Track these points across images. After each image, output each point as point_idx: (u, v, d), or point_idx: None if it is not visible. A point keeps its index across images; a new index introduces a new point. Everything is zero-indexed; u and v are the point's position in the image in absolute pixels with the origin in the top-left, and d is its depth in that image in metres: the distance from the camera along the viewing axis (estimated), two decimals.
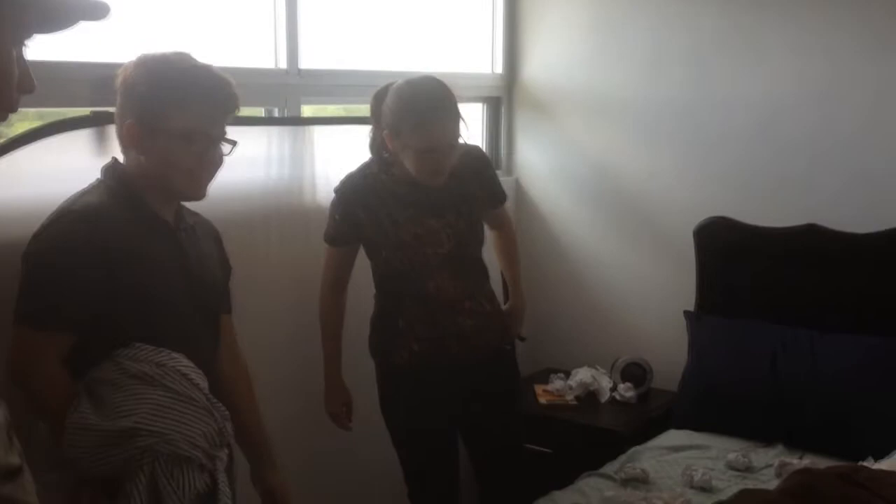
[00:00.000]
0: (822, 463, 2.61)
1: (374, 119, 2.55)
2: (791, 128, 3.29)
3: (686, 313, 3.37)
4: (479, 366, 2.63)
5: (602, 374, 3.44)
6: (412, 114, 2.40)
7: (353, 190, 2.57)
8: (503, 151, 3.89)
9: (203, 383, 1.85)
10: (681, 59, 3.47)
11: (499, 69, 3.83)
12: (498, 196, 2.78)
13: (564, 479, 2.75)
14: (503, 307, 2.85)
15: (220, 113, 1.94)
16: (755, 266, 3.30)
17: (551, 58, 3.75)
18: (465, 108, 2.52)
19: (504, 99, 3.86)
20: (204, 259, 2.04)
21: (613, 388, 3.39)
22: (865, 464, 2.63)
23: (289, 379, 2.75)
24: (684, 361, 3.33)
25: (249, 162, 2.56)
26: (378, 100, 2.52)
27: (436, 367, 2.59)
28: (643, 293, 3.62)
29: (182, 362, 1.83)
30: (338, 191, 2.60)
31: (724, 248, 3.35)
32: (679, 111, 3.48)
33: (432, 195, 2.54)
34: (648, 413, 3.33)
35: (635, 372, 3.44)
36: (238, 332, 2.24)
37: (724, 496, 2.49)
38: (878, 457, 2.68)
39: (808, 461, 2.67)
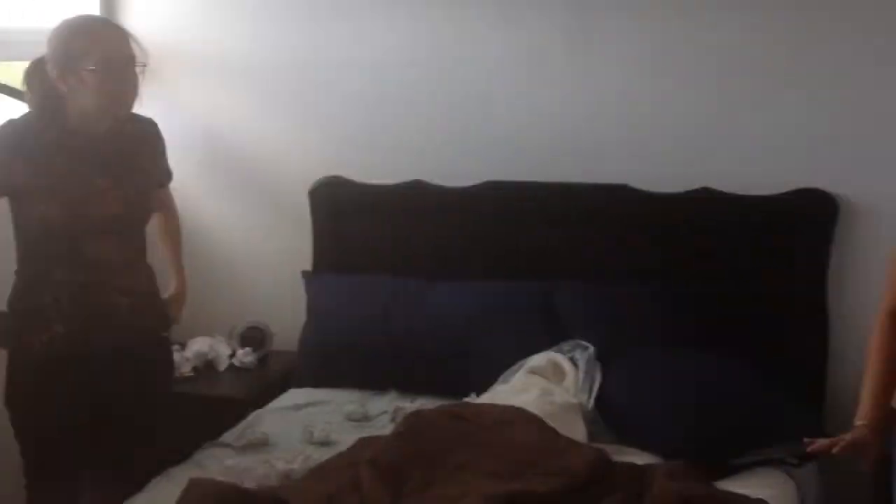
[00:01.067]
0: (433, 403, 2.74)
1: (30, 84, 2.37)
2: (400, 91, 3.38)
3: (304, 273, 3.38)
4: (133, 352, 2.45)
5: (220, 341, 3.36)
6: (86, 31, 2.32)
7: (15, 134, 2.33)
8: None
9: None
10: (299, 18, 3.43)
11: None
12: (165, 174, 2.65)
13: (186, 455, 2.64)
14: (164, 296, 2.68)
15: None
16: (368, 223, 3.39)
17: (155, 10, 3.54)
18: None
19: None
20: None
21: (232, 355, 3.32)
22: (468, 399, 2.81)
23: None
24: (303, 322, 3.35)
25: None
26: (36, 64, 2.35)
27: (80, 355, 2.37)
28: (262, 257, 3.57)
29: None
30: None
31: (338, 207, 3.40)
32: (297, 72, 3.45)
33: (102, 153, 2.37)
34: (269, 376, 3.30)
35: (255, 336, 3.40)
36: None
37: (343, 447, 2.53)
38: (481, 392, 2.87)
39: (420, 403, 2.78)
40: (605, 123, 3.20)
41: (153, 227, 2.66)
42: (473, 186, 3.28)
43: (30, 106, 2.38)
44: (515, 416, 2.45)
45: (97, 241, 2.38)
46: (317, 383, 3.12)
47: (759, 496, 2.18)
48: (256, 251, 3.58)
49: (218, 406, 3.06)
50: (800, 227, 3.00)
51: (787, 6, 3.00)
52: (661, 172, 3.13)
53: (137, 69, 2.36)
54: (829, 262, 3.00)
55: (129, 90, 2.36)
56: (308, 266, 3.42)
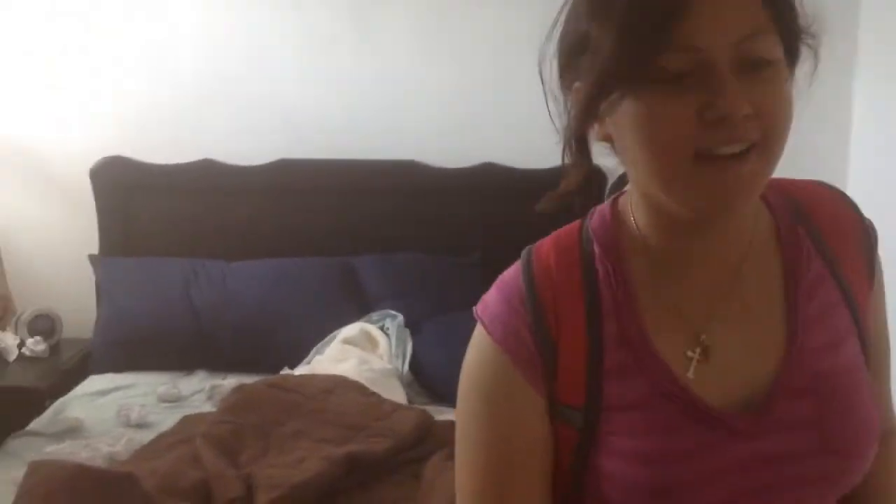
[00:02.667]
0: (246, 380, 2.77)
1: None
2: (183, 70, 3.33)
3: (90, 257, 3.28)
4: None
5: (6, 332, 3.19)
6: None
7: None
8: None
9: None
10: None
11: None
12: None
13: None
14: None
15: None
16: (155, 204, 3.34)
17: None
18: None
19: None
20: None
21: (21, 345, 3.17)
22: (283, 373, 2.88)
23: None
24: (95, 306, 3.25)
25: None
26: None
27: None
28: (44, 242, 3.40)
29: None
30: None
31: (122, 188, 3.32)
32: (68, 45, 3.30)
33: None
34: (63, 364, 3.18)
35: (44, 324, 3.25)
36: None
37: (163, 428, 2.52)
38: (292, 366, 2.94)
39: (233, 381, 2.80)
40: (391, 101, 3.34)
41: None
42: (265, 165, 3.32)
43: None
44: (338, 384, 2.55)
45: None
46: (117, 368, 3.04)
47: None
48: (39, 235, 3.41)
49: (12, 396, 2.92)
50: (574, 196, 3.29)
51: None
52: (448, 149, 3.33)
53: None
54: None
55: None
56: (94, 250, 3.32)
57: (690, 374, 0.93)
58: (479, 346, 0.98)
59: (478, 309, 0.99)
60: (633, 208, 0.98)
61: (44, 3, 3.28)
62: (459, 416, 0.99)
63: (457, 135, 3.35)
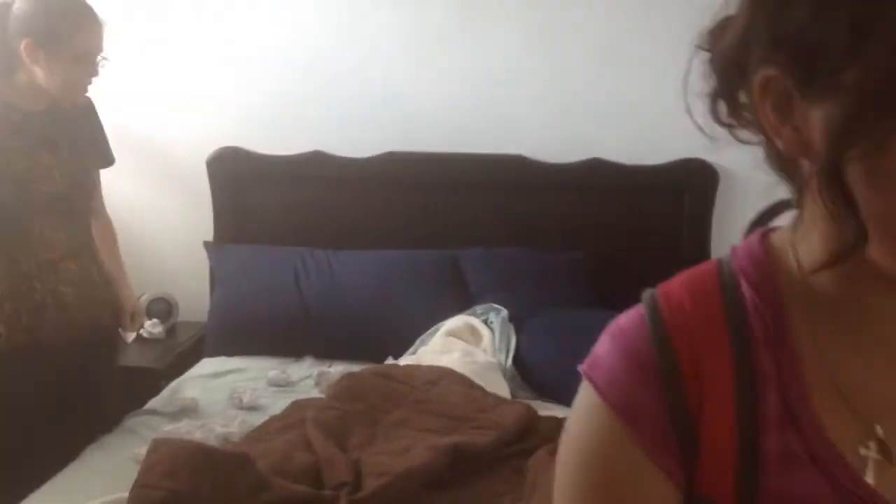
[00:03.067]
0: (351, 368, 2.83)
1: None
2: (296, 64, 3.42)
3: (206, 244, 3.39)
4: (79, 345, 2.39)
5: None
6: (73, 14, 2.23)
7: None
8: None
9: None
10: None
11: None
12: (104, 157, 2.56)
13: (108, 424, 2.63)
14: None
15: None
16: (268, 193, 3.43)
17: None
18: None
19: None
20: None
21: (140, 327, 3.30)
22: (388, 363, 2.93)
23: None
24: (209, 292, 3.37)
25: None
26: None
27: (26, 353, 2.30)
28: (162, 229, 3.54)
29: None
30: None
31: (237, 178, 3.42)
32: (192, 46, 3.43)
33: (46, 127, 2.31)
34: (178, 347, 3.31)
35: (161, 307, 3.39)
36: None
37: (272, 412, 2.60)
38: (396, 356, 2.99)
39: (341, 368, 2.86)
40: (501, 96, 3.36)
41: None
42: (374, 157, 3.38)
43: None
44: (443, 376, 2.59)
45: (42, 221, 2.32)
46: (229, 352, 3.15)
47: None
48: (157, 223, 3.54)
49: (131, 376, 3.04)
50: (684, 194, 3.25)
51: None
52: (555, 144, 3.33)
53: (99, 60, 2.33)
54: (710, 226, 3.27)
55: (89, 81, 2.33)
56: (209, 237, 3.43)
57: (870, 479, 0.71)
58: (589, 415, 0.75)
59: (586, 366, 0.77)
60: (798, 247, 0.75)
61: (163, 2, 3.41)
62: (563, 499, 0.76)
63: (565, 130, 3.34)
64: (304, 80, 3.44)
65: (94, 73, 2.32)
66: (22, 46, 2.21)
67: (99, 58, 2.31)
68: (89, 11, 2.29)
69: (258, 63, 3.44)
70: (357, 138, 3.40)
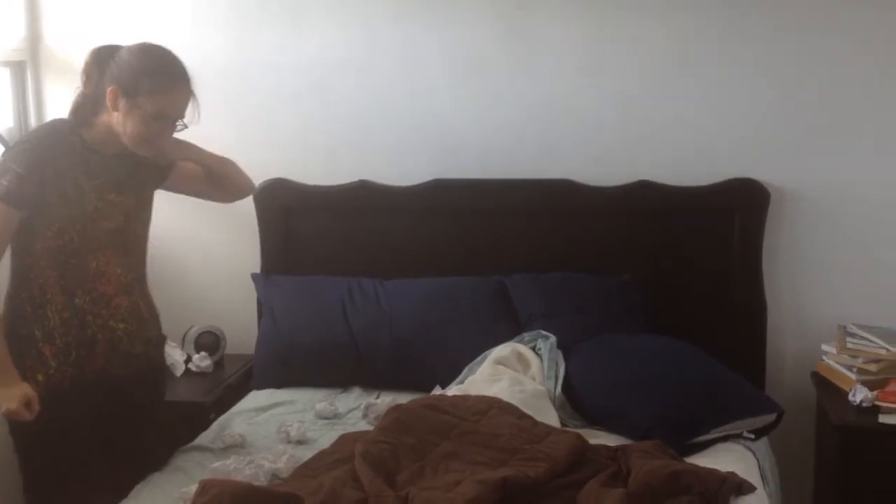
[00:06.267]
0: (398, 398, 2.80)
1: (89, 76, 2.34)
2: (339, 93, 3.43)
3: (254, 276, 3.40)
4: (128, 377, 2.45)
5: (174, 347, 3.34)
6: (160, 76, 2.30)
7: (45, 147, 2.30)
8: (32, 120, 3.57)
9: None
10: (236, 22, 3.45)
11: (21, 31, 3.50)
12: (159, 177, 2.59)
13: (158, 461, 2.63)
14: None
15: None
16: (315, 224, 3.43)
17: (80, 16, 3.50)
18: None
19: (29, 63, 3.55)
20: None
21: (188, 360, 3.32)
22: (436, 392, 2.89)
23: None
24: (256, 323, 3.37)
25: None
26: (101, 56, 2.32)
27: (76, 387, 2.35)
28: (209, 261, 3.57)
29: None
30: (24, 144, 2.33)
31: (284, 210, 3.43)
32: (236, 77, 3.46)
33: (118, 168, 2.39)
34: (226, 380, 3.31)
35: (208, 340, 3.40)
36: None
37: (321, 445, 2.57)
38: (444, 385, 2.96)
39: (389, 399, 2.84)
40: (546, 121, 3.33)
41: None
42: (419, 185, 3.36)
43: (76, 107, 2.37)
44: (492, 406, 2.54)
45: (99, 256, 2.37)
46: (277, 384, 3.15)
47: (728, 469, 2.33)
48: (204, 255, 3.57)
49: (180, 411, 3.04)
50: (734, 215, 3.19)
51: (716, 3, 3.18)
52: (602, 167, 3.28)
53: (177, 124, 2.39)
54: (762, 247, 3.19)
55: (161, 141, 2.37)
56: (256, 269, 3.44)
57: None
58: None
59: None
60: None
61: (207, 33, 3.44)
62: None
63: (611, 153, 3.30)
64: (348, 111, 3.44)
65: (168, 134, 2.37)
66: (108, 91, 2.28)
67: (177, 122, 2.37)
68: (179, 80, 2.35)
69: (303, 95, 3.44)
70: (402, 167, 3.40)
